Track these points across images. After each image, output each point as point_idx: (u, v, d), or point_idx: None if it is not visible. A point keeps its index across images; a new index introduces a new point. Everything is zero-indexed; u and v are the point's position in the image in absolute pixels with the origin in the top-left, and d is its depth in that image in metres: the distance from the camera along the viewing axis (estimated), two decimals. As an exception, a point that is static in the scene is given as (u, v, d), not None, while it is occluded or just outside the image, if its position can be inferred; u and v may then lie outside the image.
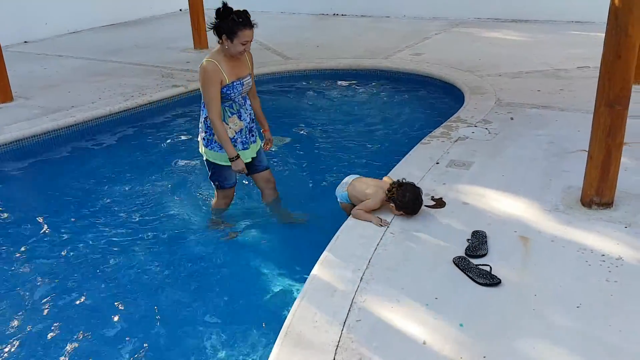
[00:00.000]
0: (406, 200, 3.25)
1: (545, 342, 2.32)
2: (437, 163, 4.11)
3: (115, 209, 4.20)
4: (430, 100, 6.40)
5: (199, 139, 3.60)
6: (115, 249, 3.70)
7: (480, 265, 2.83)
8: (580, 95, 5.46)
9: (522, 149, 4.27)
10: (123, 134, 5.67)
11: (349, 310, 2.58)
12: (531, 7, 9.48)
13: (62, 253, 3.64)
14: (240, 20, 3.16)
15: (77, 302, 3.20)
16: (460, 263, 2.86)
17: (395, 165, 4.10)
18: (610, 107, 3.09)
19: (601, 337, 2.34)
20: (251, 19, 3.21)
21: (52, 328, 2.99)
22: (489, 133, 4.62)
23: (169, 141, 5.52)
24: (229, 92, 3.33)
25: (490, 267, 2.80)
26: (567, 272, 2.77)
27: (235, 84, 3.34)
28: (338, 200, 3.59)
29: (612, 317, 2.46)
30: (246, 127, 3.51)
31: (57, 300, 3.21)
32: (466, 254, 2.96)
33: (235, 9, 3.22)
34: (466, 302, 2.60)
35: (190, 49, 8.49)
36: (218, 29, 3.22)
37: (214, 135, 3.43)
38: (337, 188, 3.59)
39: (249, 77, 3.45)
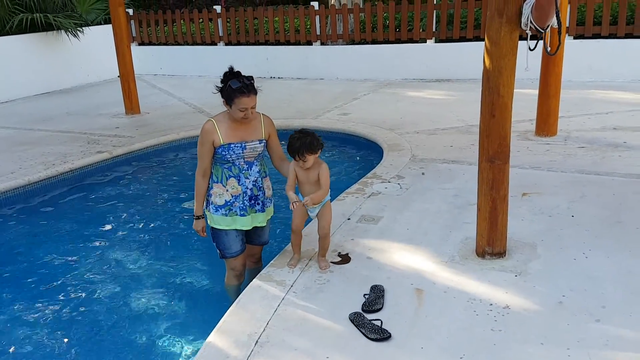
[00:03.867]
0: (289, 143, 3.25)
1: (425, 394, 2.36)
2: (349, 219, 4.22)
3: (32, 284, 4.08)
4: (353, 157, 6.61)
5: None
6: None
7: (374, 320, 2.88)
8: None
9: (429, 203, 4.43)
10: (42, 203, 5.57)
11: (239, 374, 2.56)
12: (454, 68, 10.04)
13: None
14: (238, 86, 3.11)
15: None
16: (355, 319, 2.91)
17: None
18: (491, 162, 3.29)
19: (479, 386, 2.40)
20: (253, 84, 3.17)
21: None
22: (400, 188, 4.79)
23: (89, 209, 5.45)
24: (224, 153, 3.26)
25: (382, 322, 2.85)
26: (455, 323, 2.85)
27: (233, 146, 3.25)
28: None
29: (493, 365, 2.53)
30: (245, 193, 3.36)
31: None
32: (362, 309, 3.01)
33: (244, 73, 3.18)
34: (356, 358, 2.63)
35: (121, 114, 8.53)
36: (221, 92, 3.21)
37: (211, 196, 3.37)
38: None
39: (257, 143, 3.32)
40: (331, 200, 4.59)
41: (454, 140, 6.17)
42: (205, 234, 3.48)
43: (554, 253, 3.52)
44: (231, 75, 3.18)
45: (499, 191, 3.33)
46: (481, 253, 3.46)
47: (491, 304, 2.99)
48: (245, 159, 3.33)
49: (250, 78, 3.19)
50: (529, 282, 3.19)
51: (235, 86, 3.11)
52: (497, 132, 3.23)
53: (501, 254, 3.45)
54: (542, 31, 3.06)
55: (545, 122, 6.02)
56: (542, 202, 4.33)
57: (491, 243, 3.42)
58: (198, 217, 3.42)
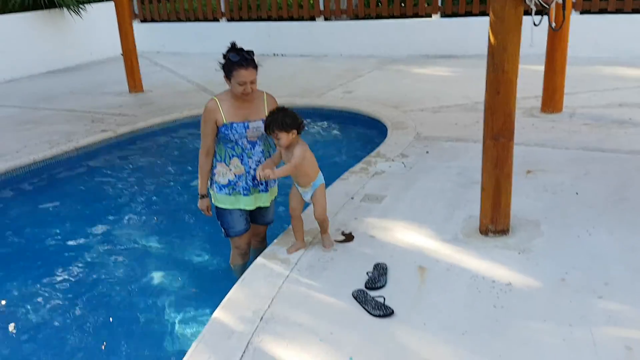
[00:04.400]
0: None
1: (428, 370, 2.39)
2: (352, 198, 4.22)
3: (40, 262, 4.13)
4: (357, 136, 6.59)
5: None
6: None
7: (377, 297, 2.91)
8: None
9: (433, 182, 4.43)
10: (47, 182, 5.60)
11: (244, 352, 2.60)
12: (459, 43, 9.92)
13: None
14: (237, 59, 3.09)
15: None
16: (359, 296, 2.93)
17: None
18: (495, 140, 3.27)
19: (481, 362, 2.43)
20: (252, 58, 3.12)
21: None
22: (404, 167, 4.78)
23: (94, 188, 5.48)
24: (226, 132, 3.24)
25: (384, 298, 2.88)
26: (457, 300, 2.88)
27: (235, 125, 3.23)
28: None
29: (495, 343, 2.56)
30: (248, 172, 3.36)
31: None
32: (365, 286, 3.03)
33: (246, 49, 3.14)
34: (359, 335, 2.67)
35: (124, 92, 8.51)
36: (223, 67, 3.18)
37: (215, 175, 3.37)
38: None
39: (260, 122, 3.27)
40: (335, 179, 4.63)
41: (458, 117, 6.13)
42: (210, 212, 3.50)
43: (557, 230, 3.53)
44: (232, 50, 3.15)
45: (503, 169, 3.32)
46: (484, 231, 3.47)
47: (494, 281, 3.01)
48: (249, 139, 3.32)
49: (251, 53, 3.16)
50: (532, 260, 3.20)
51: (234, 59, 3.10)
52: (501, 109, 3.21)
53: (504, 231, 3.46)
54: (547, 7, 3.01)
55: (551, 99, 5.97)
56: (547, 179, 4.32)
57: (494, 221, 3.43)
58: (202, 196, 3.44)
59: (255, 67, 3.16)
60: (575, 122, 5.67)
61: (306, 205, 3.48)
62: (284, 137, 3.10)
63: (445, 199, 4.09)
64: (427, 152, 5.13)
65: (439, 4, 10.11)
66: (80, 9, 11.23)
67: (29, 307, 3.58)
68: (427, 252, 3.36)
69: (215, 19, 12.27)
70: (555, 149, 4.99)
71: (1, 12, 10.73)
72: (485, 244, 3.40)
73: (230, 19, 12.17)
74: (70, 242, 4.40)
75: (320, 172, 3.37)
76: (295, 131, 3.12)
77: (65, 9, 11.09)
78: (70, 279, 3.89)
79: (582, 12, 9.13)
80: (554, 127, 5.58)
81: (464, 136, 5.49)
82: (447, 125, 5.88)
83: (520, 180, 4.21)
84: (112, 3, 8.55)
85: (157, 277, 3.86)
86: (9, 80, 10.34)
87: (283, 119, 3.07)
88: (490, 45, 3.18)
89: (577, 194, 4.04)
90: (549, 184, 4.22)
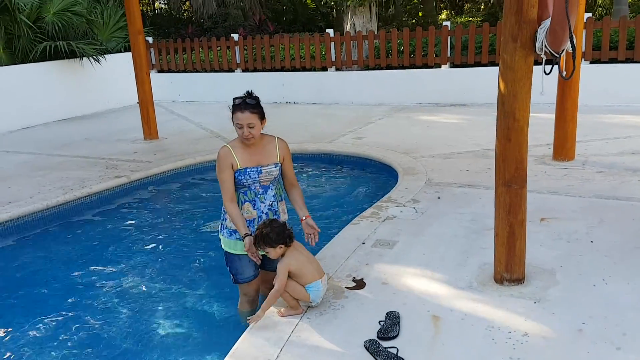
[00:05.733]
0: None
1: None
2: (363, 243, 4.19)
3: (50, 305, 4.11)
4: (368, 181, 6.59)
5: None
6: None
7: (389, 347, 2.83)
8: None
9: (445, 227, 4.39)
10: (60, 227, 5.63)
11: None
12: (469, 92, 10.04)
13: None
14: (236, 103, 3.19)
15: None
16: (370, 347, 2.86)
17: (323, 246, 4.16)
18: (507, 186, 3.25)
19: (498, 417, 2.34)
20: (251, 103, 3.17)
21: None
22: (416, 212, 4.76)
23: (106, 233, 5.49)
24: (240, 177, 3.27)
25: (397, 350, 2.80)
26: (472, 351, 2.79)
27: (248, 170, 3.27)
28: None
29: (512, 394, 2.47)
30: (260, 217, 3.36)
31: None
32: (378, 336, 2.96)
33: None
34: (371, 386, 2.59)
35: (140, 139, 8.65)
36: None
37: (226, 220, 3.36)
38: None
39: (272, 166, 3.32)
40: (347, 223, 4.61)
41: (469, 164, 6.13)
42: (259, 257, 3.29)
43: (573, 279, 3.46)
44: (240, 96, 3.23)
45: (517, 216, 3.29)
46: (499, 279, 3.40)
47: (510, 332, 2.93)
48: (261, 183, 3.34)
49: (255, 98, 3.21)
50: (548, 309, 3.12)
51: (235, 103, 3.20)
52: (513, 155, 3.21)
53: (520, 280, 3.39)
54: (557, 55, 3.05)
55: (563, 147, 5.97)
56: (561, 227, 4.26)
57: (509, 269, 3.37)
58: (245, 235, 3.23)
59: (255, 112, 3.18)
60: (588, 170, 5.64)
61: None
62: (272, 252, 3.12)
63: (459, 245, 4.04)
64: (439, 197, 5.11)
65: (448, 54, 10.30)
66: (99, 58, 11.57)
67: (31, 351, 3.52)
68: (441, 300, 3.29)
69: (231, 70, 12.57)
70: (568, 196, 4.95)
71: (23, 61, 11.08)
72: (500, 292, 3.33)
73: (245, 70, 12.47)
74: (80, 287, 4.38)
75: (324, 275, 3.26)
76: (282, 245, 3.11)
77: (84, 59, 11.44)
78: (75, 324, 3.84)
79: (592, 62, 9.25)
80: (567, 174, 5.56)
81: (476, 182, 5.47)
82: (458, 172, 5.88)
83: (534, 227, 4.17)
84: (130, 53, 8.81)
85: (164, 323, 3.80)
86: (25, 127, 10.57)
87: (267, 235, 3.07)
88: (500, 93, 3.21)
89: (592, 242, 3.98)
90: (563, 232, 4.17)
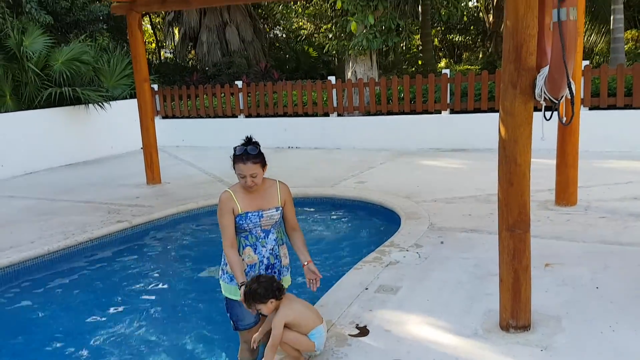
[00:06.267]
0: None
1: None
2: (366, 289, 4.14)
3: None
4: (370, 225, 6.57)
5: None
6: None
7: (394, 397, 2.76)
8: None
9: (449, 273, 4.35)
10: (61, 273, 5.58)
11: None
12: (470, 138, 10.14)
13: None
14: (237, 153, 3.21)
15: None
16: (375, 396, 2.79)
17: (325, 291, 4.11)
18: (511, 231, 3.24)
19: None
20: (253, 154, 3.19)
21: None
22: (419, 257, 4.72)
23: (107, 278, 5.44)
24: (241, 222, 3.26)
25: (402, 399, 2.73)
26: (479, 401, 2.72)
27: (250, 215, 3.27)
28: None
29: None
30: (261, 262, 3.35)
31: None
32: (382, 385, 2.90)
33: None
34: None
35: (142, 184, 8.68)
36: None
37: (227, 265, 3.33)
38: None
39: (273, 211, 3.33)
40: (349, 268, 4.57)
41: (472, 209, 6.13)
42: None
43: (579, 326, 3.40)
44: (241, 145, 3.24)
45: (521, 261, 3.26)
46: (505, 326, 3.35)
47: (517, 381, 2.86)
48: (262, 227, 3.33)
49: (257, 147, 3.21)
50: (555, 357, 3.06)
51: (236, 152, 3.21)
52: (516, 200, 3.21)
53: (526, 327, 3.33)
54: (556, 102, 3.10)
55: (565, 192, 5.97)
56: (565, 273, 4.22)
57: (515, 316, 3.31)
58: (242, 284, 3.19)
59: (257, 161, 3.20)
60: (591, 215, 5.63)
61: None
62: (264, 308, 3.07)
63: (463, 291, 3.99)
64: (442, 242, 5.08)
65: (448, 101, 10.46)
66: (104, 105, 11.76)
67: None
68: (446, 348, 3.23)
69: (234, 115, 12.76)
70: (572, 242, 4.92)
71: (29, 107, 11.26)
72: (506, 340, 3.27)
73: (249, 115, 12.65)
74: (80, 334, 4.30)
75: (323, 323, 3.19)
76: (273, 299, 3.06)
77: (89, 105, 11.62)
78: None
79: (591, 108, 9.37)
80: (570, 220, 5.54)
81: (479, 227, 5.45)
82: (461, 216, 5.87)
83: (539, 273, 4.13)
84: (135, 100, 8.96)
85: (164, 372, 3.73)
86: (29, 172, 10.64)
87: (255, 291, 3.03)
88: (501, 139, 3.25)
89: (597, 288, 3.93)
90: (568, 278, 4.12)
